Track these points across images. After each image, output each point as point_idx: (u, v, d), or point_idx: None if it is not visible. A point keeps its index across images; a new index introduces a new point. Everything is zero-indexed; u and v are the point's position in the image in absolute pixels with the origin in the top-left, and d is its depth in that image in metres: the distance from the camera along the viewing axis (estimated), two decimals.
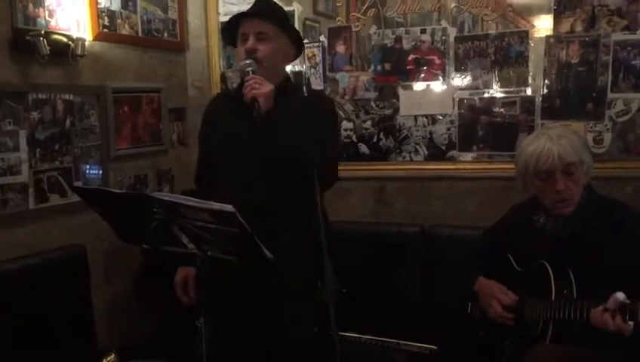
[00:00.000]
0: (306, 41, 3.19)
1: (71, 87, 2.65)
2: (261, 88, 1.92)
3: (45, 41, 2.42)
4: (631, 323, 1.67)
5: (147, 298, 2.26)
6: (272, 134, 1.95)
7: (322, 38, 3.19)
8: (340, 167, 3.13)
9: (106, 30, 2.81)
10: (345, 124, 3.19)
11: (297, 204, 2.03)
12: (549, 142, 1.97)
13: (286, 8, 3.15)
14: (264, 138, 1.95)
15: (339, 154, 1.91)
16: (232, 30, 2.12)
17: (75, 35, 2.60)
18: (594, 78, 2.69)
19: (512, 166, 2.73)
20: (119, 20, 2.90)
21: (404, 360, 2.63)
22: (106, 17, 2.81)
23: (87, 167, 2.76)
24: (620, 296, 1.69)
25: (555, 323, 1.89)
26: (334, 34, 3.17)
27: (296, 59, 2.28)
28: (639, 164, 2.67)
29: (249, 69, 1.99)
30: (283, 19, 2.14)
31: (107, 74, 2.85)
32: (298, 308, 2.09)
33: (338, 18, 3.18)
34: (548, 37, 2.75)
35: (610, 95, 2.67)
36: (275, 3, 2.19)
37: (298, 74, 3.22)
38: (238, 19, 2.08)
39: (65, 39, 2.55)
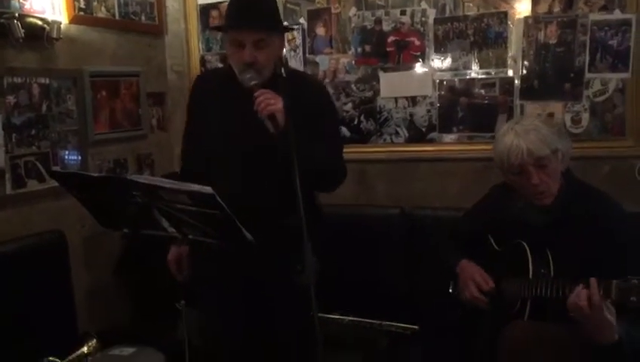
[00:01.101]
0: (285, 23, 3.18)
1: (47, 70, 2.62)
2: (276, 103, 1.89)
3: (20, 24, 2.38)
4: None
5: (127, 282, 2.25)
6: (293, 148, 1.93)
7: (302, 20, 3.17)
8: None
9: (81, 13, 2.77)
10: None
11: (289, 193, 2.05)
12: (516, 138, 1.95)
13: None
14: (285, 152, 1.93)
15: (341, 150, 1.93)
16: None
17: (50, 18, 2.56)
18: (572, 58, 2.71)
19: (492, 147, 2.77)
20: (95, 3, 2.86)
21: (386, 340, 2.65)
22: (81, 0, 2.76)
23: (65, 151, 2.73)
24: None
25: (533, 301, 1.91)
26: (314, 16, 3.15)
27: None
28: (616, 143, 2.70)
29: (253, 82, 1.94)
30: (278, 21, 2.09)
31: (84, 58, 2.81)
32: (289, 303, 2.09)
33: (318, 0, 3.16)
34: (526, 18, 2.76)
35: (587, 75, 2.70)
36: (270, 3, 2.07)
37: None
38: (236, 26, 1.97)
39: (40, 22, 2.51)
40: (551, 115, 2.73)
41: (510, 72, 2.84)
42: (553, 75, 2.75)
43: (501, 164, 2.03)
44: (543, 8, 2.73)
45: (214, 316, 2.02)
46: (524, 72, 2.80)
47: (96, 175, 1.94)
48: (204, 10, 3.31)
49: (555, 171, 1.99)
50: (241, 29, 1.95)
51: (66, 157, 2.74)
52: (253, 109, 1.91)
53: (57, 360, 2.19)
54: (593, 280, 1.69)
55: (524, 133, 1.97)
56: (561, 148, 1.99)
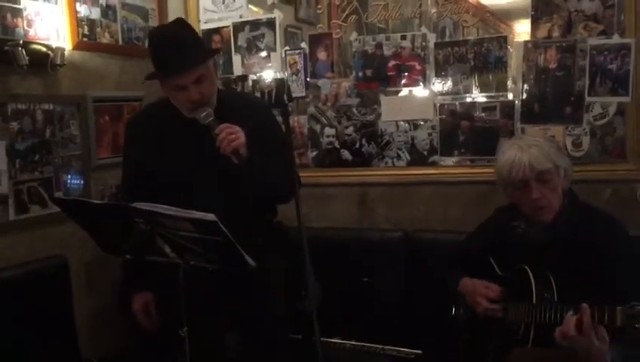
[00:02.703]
0: (287, 48, 3.22)
1: (50, 96, 2.63)
2: (237, 137, 1.92)
3: (24, 51, 2.39)
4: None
5: (129, 308, 2.24)
6: (256, 175, 1.97)
7: (303, 44, 3.20)
8: (322, 174, 3.23)
9: (85, 39, 2.80)
10: (327, 131, 3.20)
11: (257, 211, 2.10)
12: (519, 152, 1.99)
13: (267, 16, 3.22)
14: (249, 182, 1.96)
15: (293, 163, 1.91)
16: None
17: (54, 45, 2.58)
18: (571, 82, 2.72)
19: (493, 170, 2.77)
20: (99, 29, 2.89)
21: None
22: (85, 26, 2.80)
23: (68, 177, 2.74)
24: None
25: (537, 326, 1.91)
26: (316, 41, 3.18)
27: None
28: (617, 166, 2.70)
29: (210, 119, 1.97)
30: (205, 51, 2.09)
31: (87, 83, 2.83)
32: (269, 308, 2.15)
33: (319, 25, 3.20)
34: (526, 42, 2.78)
35: (587, 99, 2.71)
36: (191, 36, 2.05)
37: (280, 81, 3.23)
38: (172, 72, 1.95)
39: (44, 49, 2.53)
40: (552, 137, 2.73)
41: (511, 96, 2.86)
42: (553, 98, 2.76)
43: (502, 179, 2.04)
44: (542, 33, 2.75)
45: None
46: (525, 95, 2.81)
47: (98, 202, 1.96)
48: (207, 34, 3.34)
49: (557, 187, 2.00)
50: (178, 74, 1.94)
51: (69, 182, 2.74)
52: (203, 138, 1.94)
53: None
54: (585, 307, 1.67)
55: (526, 147, 2.00)
56: (562, 164, 2.01)
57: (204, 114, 1.97)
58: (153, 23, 3.22)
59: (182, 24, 2.09)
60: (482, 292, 2.09)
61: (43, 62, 2.53)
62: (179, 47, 1.95)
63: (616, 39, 2.64)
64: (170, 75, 1.97)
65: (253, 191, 2.02)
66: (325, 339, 2.55)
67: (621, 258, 1.91)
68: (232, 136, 1.92)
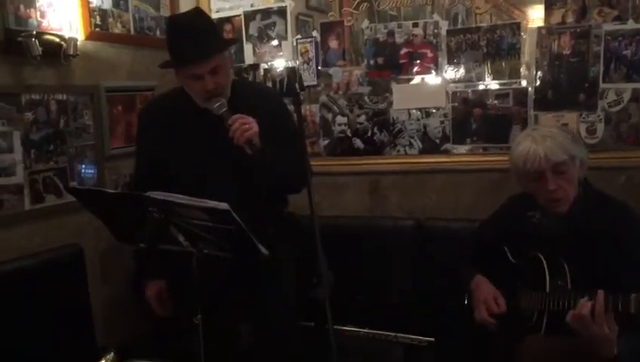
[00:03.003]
0: (298, 36, 3.22)
1: (64, 87, 2.65)
2: (251, 127, 1.92)
3: (37, 42, 2.41)
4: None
5: (143, 296, 2.27)
6: (269, 165, 1.98)
7: (315, 33, 3.19)
8: (334, 162, 3.24)
9: (97, 29, 2.81)
10: (339, 119, 3.20)
11: (271, 199, 2.12)
12: (534, 143, 1.97)
13: (279, 4, 3.21)
14: (262, 171, 1.97)
15: (305, 152, 1.88)
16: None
17: (67, 35, 2.59)
18: (586, 68, 2.70)
19: (506, 158, 2.76)
20: (111, 19, 2.90)
21: (402, 352, 2.65)
22: (97, 16, 2.81)
23: (82, 166, 2.76)
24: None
25: (550, 314, 1.91)
26: (327, 29, 3.17)
27: None
28: (632, 153, 2.68)
29: (223, 110, 1.97)
30: (222, 41, 2.10)
31: (100, 73, 2.85)
32: (284, 294, 2.18)
33: (331, 13, 3.18)
34: (539, 28, 2.76)
35: (602, 85, 2.68)
36: (209, 25, 2.05)
37: (291, 70, 3.22)
38: (188, 61, 1.96)
39: (57, 39, 2.55)
40: (565, 125, 2.71)
41: (524, 83, 2.83)
42: (567, 85, 2.74)
43: (518, 171, 2.03)
44: (556, 19, 2.72)
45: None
46: (538, 82, 2.79)
47: (112, 191, 1.97)
48: (219, 23, 3.33)
49: (573, 178, 1.99)
50: (195, 63, 1.95)
51: (83, 171, 2.77)
52: (216, 128, 1.95)
53: None
54: (600, 293, 1.68)
55: (541, 139, 1.98)
56: (578, 154, 1.99)
57: (217, 104, 1.98)
58: (165, 12, 3.23)
59: (200, 13, 2.09)
60: (488, 303, 2.09)
61: (56, 52, 2.54)
62: (196, 36, 1.95)
63: (631, 25, 2.61)
64: (186, 64, 1.97)
65: (265, 180, 2.03)
66: (338, 327, 2.57)
67: (635, 246, 1.89)
68: (246, 126, 1.92)
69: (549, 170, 1.96)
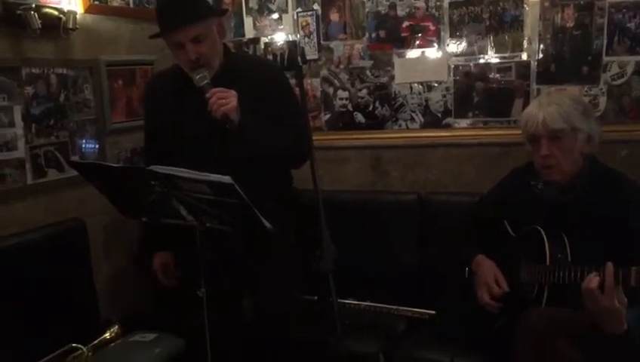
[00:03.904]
0: (299, 9, 3.18)
1: (64, 61, 2.64)
2: (228, 102, 1.91)
3: (36, 15, 2.39)
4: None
5: (148, 269, 2.29)
6: (250, 141, 1.97)
7: (316, 6, 3.16)
8: (335, 136, 3.23)
9: (97, 2, 2.78)
10: (340, 93, 3.19)
11: (271, 175, 2.11)
12: (538, 107, 2.00)
13: None
14: (242, 145, 1.96)
15: (307, 124, 1.87)
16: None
17: (66, 9, 2.57)
18: (589, 41, 2.68)
19: (508, 132, 2.76)
20: None
21: (404, 325, 2.68)
22: None
23: (83, 141, 2.76)
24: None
25: (550, 287, 1.92)
26: (328, 2, 3.13)
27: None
28: (634, 127, 2.68)
29: (204, 82, 1.96)
30: (206, 9, 2.07)
31: (100, 47, 2.83)
32: (284, 270, 2.18)
33: None
34: (543, 1, 2.73)
35: (605, 58, 2.67)
36: None
37: (292, 44, 3.20)
38: (169, 28, 1.97)
39: (56, 12, 2.52)
40: None
41: (526, 56, 2.81)
42: (570, 58, 2.72)
43: (522, 130, 2.07)
44: None
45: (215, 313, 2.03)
46: (541, 55, 2.77)
47: (115, 165, 1.97)
48: None
49: (571, 149, 1.98)
50: (174, 31, 1.95)
51: (84, 146, 2.77)
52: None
53: (80, 346, 2.23)
54: (609, 266, 1.68)
55: (547, 103, 2.00)
56: (583, 128, 1.97)
57: (198, 76, 1.97)
58: None
59: None
60: (490, 285, 2.09)
61: (55, 26, 2.52)
62: (180, 3, 1.96)
63: None
64: (167, 31, 1.97)
65: (250, 154, 2.01)
66: (340, 300, 2.58)
67: (635, 218, 1.90)
68: (222, 101, 1.91)
69: (545, 136, 1.97)
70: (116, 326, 2.42)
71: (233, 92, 1.94)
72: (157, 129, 2.19)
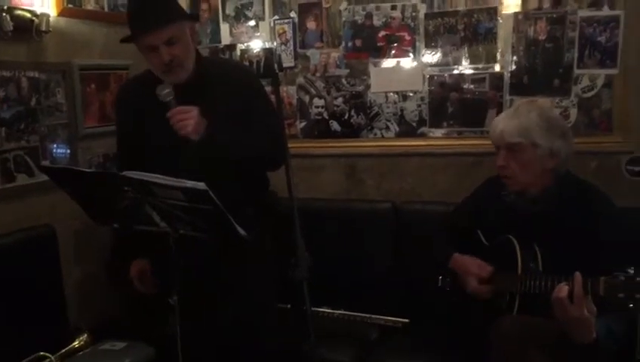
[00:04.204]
0: (276, 17, 3.19)
1: (36, 64, 2.59)
2: (186, 124, 1.89)
3: (8, 17, 2.35)
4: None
5: (119, 275, 2.26)
6: (219, 150, 1.97)
7: (292, 14, 3.16)
8: (311, 144, 3.24)
9: (70, 5, 2.74)
10: (316, 101, 3.19)
11: (247, 180, 2.10)
12: (505, 117, 2.05)
13: None
14: (210, 155, 1.96)
15: (282, 128, 1.88)
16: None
17: (39, 11, 2.53)
18: (561, 54, 2.73)
19: (481, 142, 2.79)
20: None
21: (377, 333, 2.68)
22: None
23: (55, 145, 2.71)
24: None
25: (522, 296, 1.94)
26: (305, 10, 3.14)
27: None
28: (604, 139, 2.73)
29: (169, 99, 1.95)
30: (179, 12, 2.07)
31: (73, 51, 2.79)
32: (260, 277, 2.17)
33: None
34: (516, 14, 2.78)
35: (576, 71, 2.72)
36: None
37: (269, 51, 3.20)
38: (142, 31, 1.95)
39: (29, 15, 2.48)
40: None
41: (500, 68, 2.85)
42: (542, 70, 2.77)
43: None
44: (532, 4, 2.75)
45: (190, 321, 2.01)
46: (514, 67, 2.81)
47: (87, 170, 1.94)
48: (195, 2, 3.29)
49: (528, 163, 2.00)
50: (148, 33, 1.94)
51: (56, 151, 2.72)
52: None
53: (49, 354, 2.18)
54: (578, 275, 1.70)
55: (512, 115, 2.04)
56: (542, 144, 1.98)
57: (164, 92, 1.95)
58: None
59: None
60: (474, 272, 2.10)
61: (28, 28, 2.48)
62: (151, 6, 1.96)
63: (605, 11, 2.65)
64: (140, 34, 1.95)
65: (221, 161, 2.01)
66: (314, 309, 2.58)
67: (606, 230, 1.93)
68: (182, 123, 1.90)
69: (503, 147, 2.01)
70: (85, 335, 2.38)
71: (193, 112, 1.92)
72: (129, 135, 2.17)
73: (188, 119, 1.91)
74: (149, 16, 1.93)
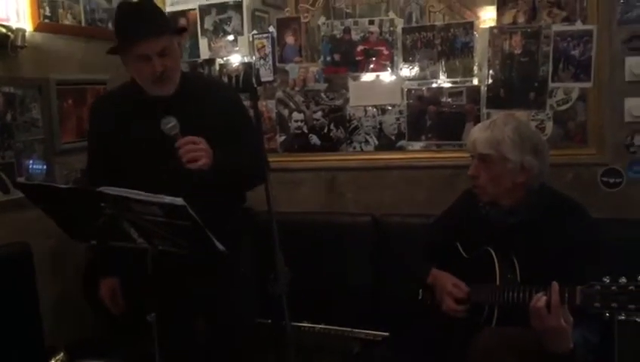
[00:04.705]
0: (254, 32, 3.19)
1: (11, 79, 2.58)
2: (199, 156, 1.89)
3: None
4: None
5: (95, 294, 2.22)
6: (224, 175, 1.97)
7: (271, 29, 3.18)
8: (290, 158, 3.24)
9: (47, 20, 2.73)
10: (295, 115, 3.20)
11: (225, 196, 2.10)
12: (481, 127, 2.07)
13: None
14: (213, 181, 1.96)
15: (262, 144, 1.89)
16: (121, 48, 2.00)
17: (14, 26, 2.52)
18: (536, 68, 2.77)
19: (459, 155, 2.81)
20: (61, 10, 2.82)
21: (358, 347, 2.67)
22: (47, 7, 2.73)
23: (30, 161, 2.68)
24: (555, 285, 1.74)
25: (500, 307, 1.94)
26: (283, 25, 3.16)
27: None
28: (579, 151, 2.77)
29: (174, 133, 1.93)
30: (171, 26, 2.10)
31: (50, 66, 2.77)
32: (239, 292, 2.16)
33: (287, 9, 3.18)
34: (492, 28, 2.82)
35: (551, 84, 2.76)
36: (157, 9, 2.09)
37: (247, 66, 3.20)
38: (138, 39, 1.94)
39: (4, 30, 2.48)
40: None
41: (476, 81, 2.89)
42: (518, 84, 2.81)
43: None
44: (507, 19, 2.79)
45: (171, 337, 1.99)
46: (490, 80, 2.85)
47: (63, 186, 1.92)
48: (173, 17, 3.28)
49: (498, 176, 2.01)
50: (143, 41, 1.93)
51: (31, 166, 2.69)
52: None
53: None
54: (554, 285, 1.71)
55: (489, 126, 2.05)
56: (514, 159, 1.97)
57: (169, 125, 1.93)
58: (116, 4, 3.13)
59: (149, 1, 2.08)
60: (449, 291, 2.10)
61: (3, 43, 2.47)
62: (146, 16, 1.96)
63: (579, 25, 2.69)
64: (135, 42, 1.94)
65: (217, 182, 2.00)
66: (294, 324, 2.56)
67: (582, 240, 1.95)
68: (193, 155, 1.89)
69: (476, 156, 2.04)
70: (62, 354, 2.34)
71: (202, 144, 1.91)
72: (104, 147, 2.13)
73: (199, 151, 1.89)
74: (144, 25, 1.93)
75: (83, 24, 2.96)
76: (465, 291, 2.08)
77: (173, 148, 1.91)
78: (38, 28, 2.67)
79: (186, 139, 1.90)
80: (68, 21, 2.86)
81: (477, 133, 2.05)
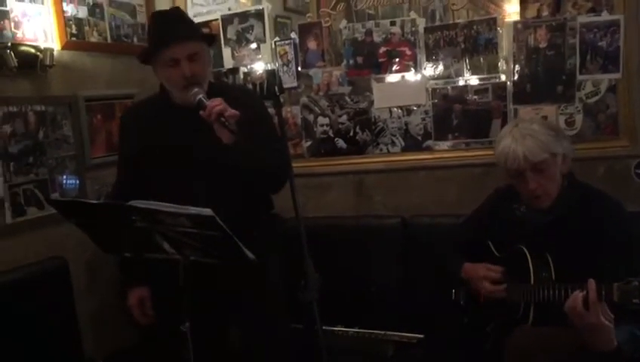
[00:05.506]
0: (277, 38, 3.21)
1: (42, 98, 2.63)
2: (227, 107, 1.91)
3: (13, 54, 2.39)
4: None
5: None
6: (246, 158, 1.98)
7: (293, 35, 3.19)
8: (317, 163, 3.24)
9: (74, 39, 2.78)
10: (321, 120, 3.20)
11: (251, 203, 2.11)
12: (514, 143, 1.98)
13: (256, 7, 3.21)
14: (238, 162, 1.98)
15: (286, 150, 1.94)
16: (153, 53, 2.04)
17: (42, 46, 2.57)
18: (562, 61, 2.72)
19: (488, 152, 2.78)
20: (87, 28, 2.87)
21: (392, 350, 2.66)
22: (73, 26, 2.78)
23: (64, 177, 2.74)
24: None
25: (536, 306, 1.92)
26: (305, 30, 3.17)
27: None
28: (611, 143, 2.71)
29: (200, 96, 1.98)
30: (200, 32, 2.16)
31: (78, 83, 2.83)
32: (272, 299, 2.18)
33: (308, 14, 3.18)
34: (515, 23, 2.78)
35: (579, 77, 2.71)
36: (186, 16, 2.15)
37: (271, 73, 3.22)
38: (167, 42, 1.99)
39: (33, 50, 2.53)
40: (544, 118, 2.74)
41: (502, 77, 2.85)
42: (545, 78, 2.76)
43: (500, 166, 2.07)
44: (531, 13, 2.75)
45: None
46: (516, 76, 2.81)
47: (94, 202, 1.95)
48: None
49: (554, 175, 2.00)
50: (176, 43, 1.98)
51: (65, 182, 2.74)
52: (196, 127, 1.95)
53: None
54: (591, 282, 1.69)
55: (521, 138, 1.99)
56: (560, 151, 1.99)
57: (194, 90, 1.98)
58: (141, 19, 3.21)
59: (181, 9, 2.22)
60: (484, 275, 2.10)
61: (32, 63, 2.52)
62: (179, 22, 2.05)
63: (605, 16, 2.64)
64: (168, 44, 1.98)
65: (242, 173, 2.02)
66: (327, 328, 2.57)
67: (617, 235, 1.92)
68: (220, 107, 1.92)
69: (529, 169, 1.98)
70: None
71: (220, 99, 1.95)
72: (136, 159, 2.17)
73: (224, 104, 1.92)
74: (176, 29, 2.00)
75: (109, 40, 3.01)
76: (498, 271, 2.07)
77: (200, 148, 1.94)
78: (65, 46, 2.73)
79: (212, 100, 1.94)
80: (94, 38, 2.92)
81: (520, 147, 1.97)
